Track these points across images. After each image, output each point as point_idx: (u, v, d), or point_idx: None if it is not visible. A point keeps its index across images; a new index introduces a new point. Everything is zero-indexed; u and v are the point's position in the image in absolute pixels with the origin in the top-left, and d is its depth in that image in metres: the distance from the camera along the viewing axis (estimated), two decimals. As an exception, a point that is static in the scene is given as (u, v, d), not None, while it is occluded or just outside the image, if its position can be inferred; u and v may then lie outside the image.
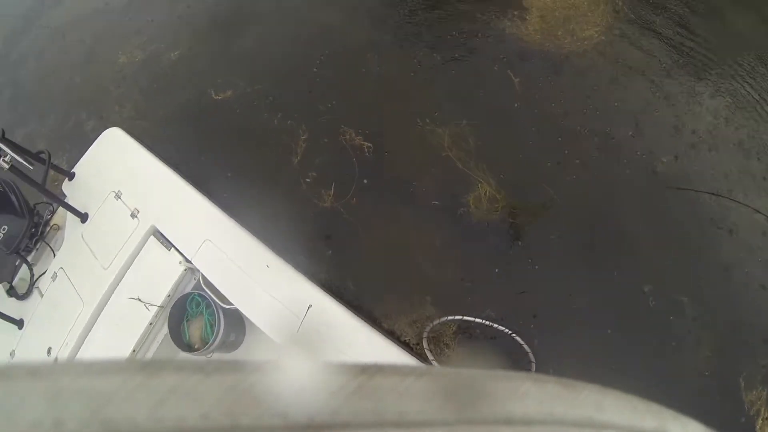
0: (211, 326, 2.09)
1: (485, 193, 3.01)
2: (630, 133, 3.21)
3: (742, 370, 2.79)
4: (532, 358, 2.20)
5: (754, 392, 2.76)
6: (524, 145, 3.24)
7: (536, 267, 2.85)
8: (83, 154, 2.58)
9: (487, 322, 2.44)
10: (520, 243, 2.93)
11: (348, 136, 3.37)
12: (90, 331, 2.21)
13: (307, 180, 3.29)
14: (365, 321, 1.70)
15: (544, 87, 3.39)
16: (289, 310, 1.77)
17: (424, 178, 3.19)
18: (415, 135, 3.29)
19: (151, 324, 2.10)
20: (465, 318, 2.48)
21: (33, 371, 0.24)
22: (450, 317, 2.46)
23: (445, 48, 3.60)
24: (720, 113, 3.25)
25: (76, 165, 2.56)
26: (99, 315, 2.21)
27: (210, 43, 4.14)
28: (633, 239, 2.95)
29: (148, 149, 2.37)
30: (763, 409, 2.76)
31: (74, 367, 0.25)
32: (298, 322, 1.73)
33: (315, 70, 3.73)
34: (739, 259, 2.93)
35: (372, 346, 1.64)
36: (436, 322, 2.40)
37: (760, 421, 2.74)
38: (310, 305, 1.74)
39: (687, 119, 3.23)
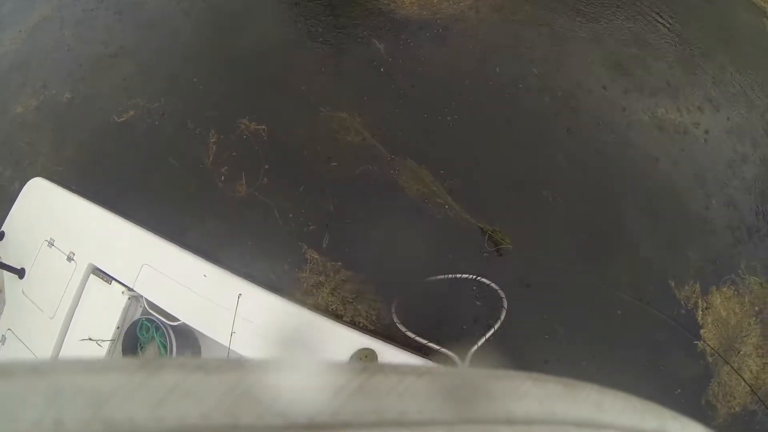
0: (165, 347, 2.13)
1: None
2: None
3: (667, 272, 3.01)
4: (502, 294, 2.20)
5: (686, 287, 2.99)
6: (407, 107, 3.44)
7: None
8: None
9: (450, 275, 2.48)
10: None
11: (244, 126, 3.53)
12: None
13: (222, 178, 3.41)
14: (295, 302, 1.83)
15: (417, 53, 3.60)
16: (227, 310, 1.86)
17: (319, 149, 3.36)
18: (312, 120, 3.46)
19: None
20: (429, 279, 2.50)
21: (34, 369, 0.24)
22: (415, 285, 2.52)
23: (328, 37, 3.79)
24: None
25: (4, 223, 2.55)
26: None
27: (98, 75, 4.23)
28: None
29: (72, 191, 2.40)
30: (700, 300, 2.99)
31: (75, 366, 0.25)
32: (229, 313, 1.82)
33: (199, 77, 3.88)
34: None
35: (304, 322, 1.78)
36: (402, 295, 2.40)
37: (700, 312, 2.96)
38: (240, 294, 1.84)
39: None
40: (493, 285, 2.27)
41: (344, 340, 1.76)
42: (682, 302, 2.96)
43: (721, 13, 3.91)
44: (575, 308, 2.91)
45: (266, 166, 3.37)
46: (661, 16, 3.72)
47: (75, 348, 2.16)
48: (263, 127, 3.51)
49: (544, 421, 0.31)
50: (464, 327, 2.82)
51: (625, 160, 3.26)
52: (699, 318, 2.95)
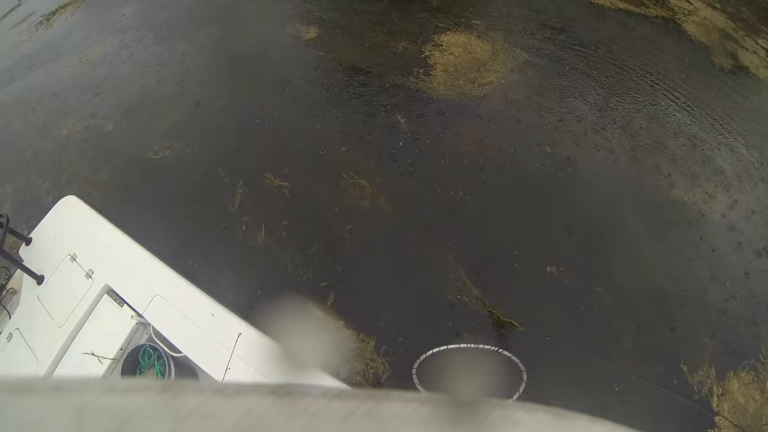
0: (163, 375, 2.16)
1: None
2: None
3: (680, 355, 2.91)
4: (522, 368, 2.27)
5: (700, 373, 2.88)
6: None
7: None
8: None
9: (472, 345, 2.50)
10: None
11: (268, 181, 3.68)
12: None
13: (243, 227, 3.53)
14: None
15: (439, 130, 3.69)
16: (228, 350, 1.90)
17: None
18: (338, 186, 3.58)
19: (104, 377, 2.16)
20: (450, 347, 2.51)
21: (56, 387, 0.25)
22: (437, 349, 2.50)
23: (361, 114, 3.92)
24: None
25: (33, 231, 2.66)
26: (54, 371, 2.24)
27: (138, 116, 4.48)
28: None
29: (101, 214, 2.50)
30: (715, 386, 2.85)
31: (98, 385, 0.26)
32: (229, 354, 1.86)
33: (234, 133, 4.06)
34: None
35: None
36: (423, 356, 2.43)
37: (715, 399, 2.83)
38: (240, 333, 1.89)
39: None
40: (514, 358, 2.32)
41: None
42: (695, 387, 2.84)
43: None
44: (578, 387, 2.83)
45: (285, 222, 3.47)
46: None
47: (76, 359, 2.22)
48: (286, 183, 3.65)
49: None
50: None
51: (632, 235, 3.20)
52: (714, 405, 2.81)
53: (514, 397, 2.01)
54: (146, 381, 0.26)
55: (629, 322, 2.99)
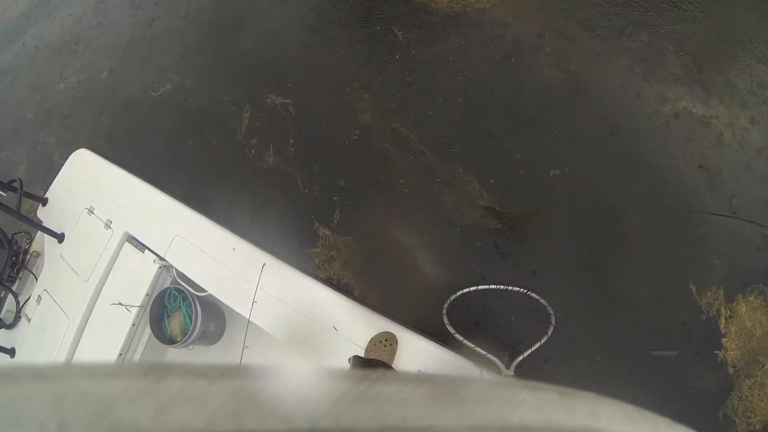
0: (190, 317, 2.22)
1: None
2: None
3: (687, 276, 2.91)
4: (551, 311, 2.21)
5: (709, 294, 2.88)
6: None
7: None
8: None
9: (501, 287, 2.47)
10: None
11: (270, 101, 3.71)
12: (78, 344, 2.31)
13: (252, 150, 3.59)
14: (318, 281, 1.88)
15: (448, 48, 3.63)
16: (252, 284, 1.92)
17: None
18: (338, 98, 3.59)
19: (134, 325, 2.21)
20: (479, 288, 2.51)
21: (38, 374, 0.24)
22: (464, 290, 2.44)
23: (362, 30, 3.87)
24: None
25: (48, 190, 2.70)
26: (85, 327, 2.31)
27: (133, 54, 4.50)
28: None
29: (113, 163, 2.52)
30: (723, 308, 2.86)
31: (79, 371, 0.25)
32: (254, 287, 1.89)
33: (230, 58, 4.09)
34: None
35: (329, 302, 1.83)
36: (452, 297, 2.37)
37: (723, 321, 2.84)
38: (264, 264, 1.90)
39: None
40: (542, 301, 2.28)
41: (366, 322, 1.79)
42: (704, 308, 2.85)
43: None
44: (582, 304, 2.87)
45: (292, 141, 3.52)
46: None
47: (105, 311, 2.28)
48: (289, 101, 3.67)
49: (539, 428, 0.31)
50: (501, 338, 2.82)
51: (646, 154, 3.18)
52: (722, 326, 2.83)
53: (542, 340, 2.04)
54: (128, 365, 0.26)
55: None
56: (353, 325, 1.80)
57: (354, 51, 3.77)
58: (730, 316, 2.85)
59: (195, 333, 2.15)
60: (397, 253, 3.07)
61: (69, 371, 0.25)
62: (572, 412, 0.33)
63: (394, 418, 0.28)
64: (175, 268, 2.16)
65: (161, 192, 2.29)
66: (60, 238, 2.50)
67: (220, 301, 2.08)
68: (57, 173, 2.71)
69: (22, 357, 2.51)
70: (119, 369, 0.26)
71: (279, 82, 3.78)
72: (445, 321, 2.20)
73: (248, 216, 3.30)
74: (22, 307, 2.61)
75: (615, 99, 3.30)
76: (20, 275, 2.69)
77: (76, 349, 2.32)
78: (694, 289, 2.89)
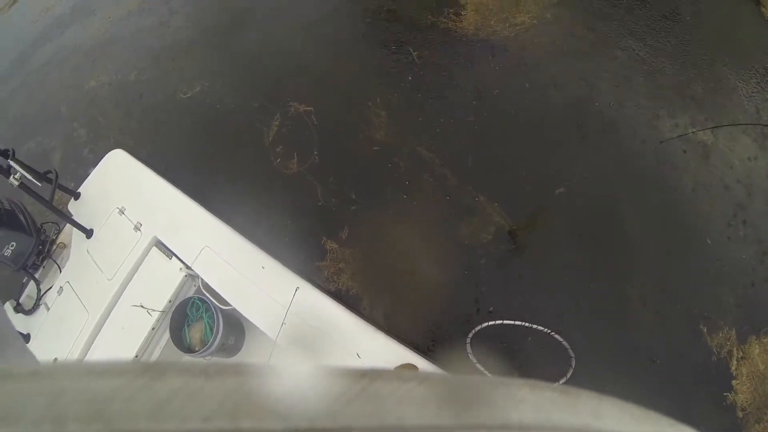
0: (211, 329, 2.23)
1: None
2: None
3: (699, 315, 2.89)
4: (572, 354, 2.25)
5: (720, 334, 2.85)
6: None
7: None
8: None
9: (526, 324, 2.50)
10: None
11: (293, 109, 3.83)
12: (95, 339, 2.34)
13: (278, 159, 3.67)
14: (350, 310, 1.88)
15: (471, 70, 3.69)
16: (280, 304, 1.92)
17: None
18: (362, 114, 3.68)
19: (153, 329, 2.24)
20: (505, 322, 2.53)
21: (34, 372, 0.24)
22: (492, 322, 2.51)
23: (390, 51, 3.94)
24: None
25: (82, 185, 2.73)
26: (104, 323, 2.34)
27: (164, 58, 4.61)
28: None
29: (148, 166, 2.54)
30: (734, 349, 2.81)
31: (76, 368, 0.25)
32: (284, 311, 1.88)
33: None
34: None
35: (352, 331, 1.83)
36: (478, 327, 2.43)
37: (734, 362, 2.79)
38: (297, 287, 1.90)
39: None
40: (564, 343, 2.31)
41: (390, 352, 1.80)
42: (714, 349, 2.81)
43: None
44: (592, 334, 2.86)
45: (315, 152, 3.61)
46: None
47: (126, 312, 2.30)
48: (311, 108, 3.78)
49: (540, 428, 0.31)
50: (519, 373, 2.82)
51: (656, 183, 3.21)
52: (733, 368, 2.78)
53: (561, 381, 2.03)
54: (125, 363, 0.26)
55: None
56: (377, 354, 1.81)
57: (375, 69, 3.86)
58: (742, 358, 2.81)
59: (215, 345, 2.17)
60: (408, 269, 3.12)
61: (65, 369, 0.25)
62: (573, 411, 0.33)
63: (393, 416, 0.28)
64: (201, 279, 2.17)
65: (194, 201, 2.31)
66: (89, 233, 2.52)
67: (242, 316, 2.10)
68: (86, 167, 2.73)
69: (37, 344, 2.53)
70: (115, 366, 0.26)
71: (300, 91, 3.88)
72: (468, 350, 2.19)
73: (267, 220, 3.36)
74: (43, 295, 2.64)
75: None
76: (44, 264, 2.72)
77: (92, 344, 2.35)
78: (705, 330, 2.86)
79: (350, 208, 3.37)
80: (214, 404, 0.25)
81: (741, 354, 2.82)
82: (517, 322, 2.48)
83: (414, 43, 3.86)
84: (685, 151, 3.27)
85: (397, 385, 0.29)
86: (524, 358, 2.80)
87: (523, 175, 3.29)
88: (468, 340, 2.21)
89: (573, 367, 2.13)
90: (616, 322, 2.90)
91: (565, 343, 2.24)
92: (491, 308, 2.92)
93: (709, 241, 3.09)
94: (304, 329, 1.85)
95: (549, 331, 2.36)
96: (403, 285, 3.10)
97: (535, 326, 2.41)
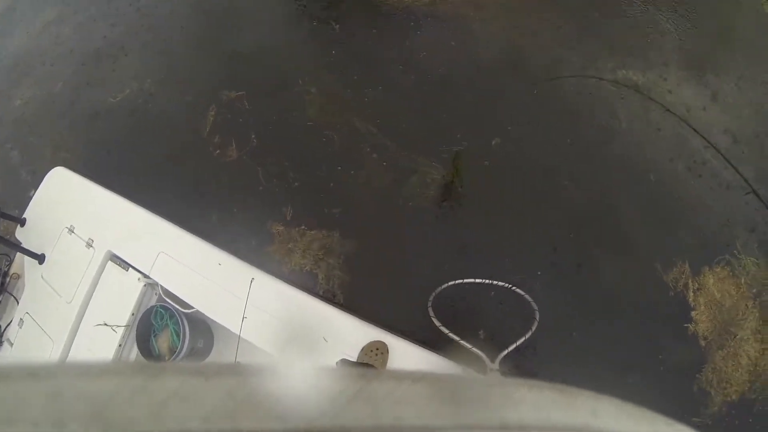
0: (178, 335, 2.22)
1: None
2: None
3: (653, 256, 2.97)
4: (535, 306, 2.21)
5: (675, 269, 2.95)
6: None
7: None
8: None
9: (487, 281, 2.45)
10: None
11: (225, 97, 3.79)
12: None
13: (217, 150, 3.65)
14: (306, 293, 1.91)
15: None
16: (240, 298, 1.92)
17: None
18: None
19: (120, 345, 2.20)
20: (465, 281, 2.44)
21: (33, 372, 0.24)
22: (451, 282, 2.40)
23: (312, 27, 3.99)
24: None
25: (26, 210, 2.64)
26: (70, 349, 2.28)
27: (89, 65, 4.45)
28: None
29: (91, 180, 2.48)
30: (690, 281, 2.91)
31: (75, 369, 0.25)
32: (243, 302, 1.89)
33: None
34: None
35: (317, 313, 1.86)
36: (438, 289, 2.36)
37: (691, 294, 2.89)
38: (252, 278, 1.91)
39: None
40: (526, 296, 2.29)
41: (356, 332, 1.82)
42: (671, 284, 2.91)
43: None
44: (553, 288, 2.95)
45: (253, 136, 3.61)
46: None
47: (90, 332, 2.25)
48: (243, 93, 3.76)
49: (538, 427, 0.32)
50: (485, 331, 2.87)
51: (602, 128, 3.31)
52: (690, 299, 2.89)
53: (527, 335, 2.04)
54: (123, 364, 0.29)
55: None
56: (344, 335, 1.82)
57: (300, 47, 3.86)
58: (698, 289, 2.91)
59: (183, 350, 2.16)
60: (358, 238, 3.17)
61: (64, 370, 0.25)
62: (572, 411, 0.33)
63: (391, 417, 0.28)
64: (161, 286, 2.15)
65: (142, 208, 2.27)
66: (40, 259, 2.45)
67: (208, 317, 2.09)
68: (25, 189, 2.65)
69: None
70: (114, 367, 0.26)
71: (231, 78, 3.85)
72: (431, 313, 2.20)
73: (215, 211, 3.38)
74: (4, 331, 2.57)
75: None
76: (0, 299, 2.65)
77: None
78: (659, 267, 2.96)
79: (292, 186, 3.38)
80: (213, 405, 0.25)
81: (696, 285, 2.92)
82: (477, 280, 2.47)
83: (333, 16, 3.88)
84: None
85: (395, 385, 0.29)
86: (488, 316, 2.88)
87: (458, 132, 3.36)
88: (429, 303, 2.23)
89: (537, 319, 2.18)
90: (572, 271, 3.01)
91: (527, 296, 2.28)
92: (446, 267, 2.99)
93: (652, 178, 3.21)
94: (278, 330, 1.86)
95: (509, 285, 2.40)
96: (356, 255, 3.13)
97: (495, 282, 2.43)
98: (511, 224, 3.11)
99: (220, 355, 2.42)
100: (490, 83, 3.50)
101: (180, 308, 2.15)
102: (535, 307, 2.24)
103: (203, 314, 2.08)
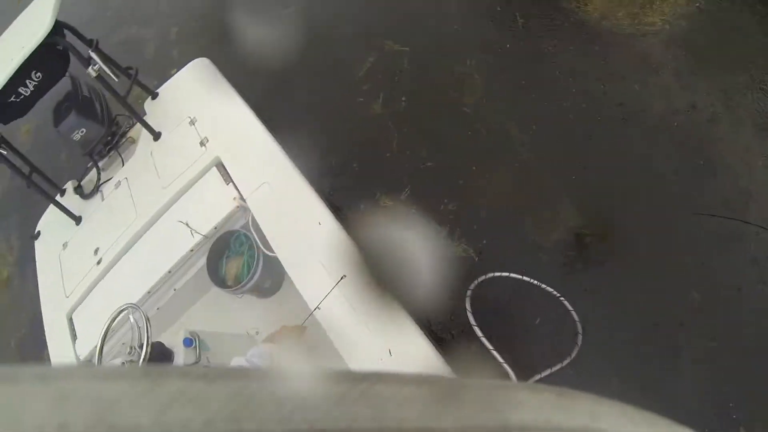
0: (249, 268, 2.11)
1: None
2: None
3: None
4: (580, 329, 2.08)
5: None
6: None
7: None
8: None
9: (535, 282, 2.31)
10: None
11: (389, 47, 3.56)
12: (136, 242, 2.31)
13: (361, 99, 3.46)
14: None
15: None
16: (327, 273, 1.73)
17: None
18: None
19: (191, 251, 2.16)
20: (512, 275, 2.32)
21: (38, 375, 0.24)
22: (495, 274, 2.29)
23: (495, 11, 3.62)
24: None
25: (162, 87, 2.66)
26: (148, 229, 2.30)
27: None
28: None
29: (231, 84, 2.41)
30: None
31: (79, 372, 0.25)
32: (330, 283, 1.69)
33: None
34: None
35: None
36: (480, 278, 2.24)
37: None
38: (344, 276, 1.67)
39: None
40: (574, 313, 2.14)
41: (417, 349, 1.58)
42: None
43: None
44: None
45: (403, 98, 3.36)
46: None
47: (171, 225, 2.23)
48: (407, 49, 3.52)
49: (539, 429, 0.31)
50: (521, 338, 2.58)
51: None
52: None
53: (564, 362, 1.96)
54: (127, 367, 0.29)
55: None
56: (407, 351, 1.61)
57: (476, 25, 3.53)
58: None
59: (249, 285, 2.05)
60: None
61: (69, 372, 0.25)
62: (572, 413, 0.33)
63: (394, 419, 0.28)
64: (253, 215, 2.02)
65: (266, 131, 2.14)
66: (156, 136, 2.46)
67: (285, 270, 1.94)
68: (170, 66, 2.64)
69: (85, 229, 2.57)
70: (119, 371, 0.26)
71: (399, 32, 3.61)
72: (467, 305, 2.06)
73: (335, 157, 3.20)
74: (102, 184, 2.64)
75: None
76: (110, 154, 2.71)
77: (132, 246, 2.32)
78: None
79: (421, 165, 3.12)
80: (216, 407, 0.25)
81: None
82: (525, 278, 2.29)
83: (523, 9, 3.48)
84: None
85: (398, 387, 0.29)
86: (526, 324, 2.53)
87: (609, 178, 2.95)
88: (468, 293, 2.09)
89: (579, 345, 2.02)
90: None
91: (574, 313, 2.11)
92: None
93: None
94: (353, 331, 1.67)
95: (559, 295, 2.18)
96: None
97: (543, 286, 2.23)
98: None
99: (284, 300, 2.30)
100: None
101: (262, 247, 2.01)
102: (579, 331, 2.08)
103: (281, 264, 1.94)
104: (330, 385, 0.28)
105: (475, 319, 1.96)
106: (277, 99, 3.49)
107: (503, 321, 2.54)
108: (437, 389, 0.30)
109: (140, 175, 2.45)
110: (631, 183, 2.88)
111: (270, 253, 1.97)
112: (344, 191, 3.09)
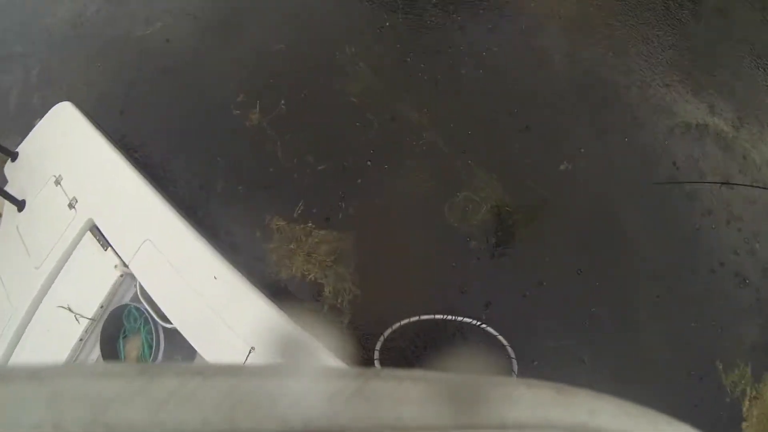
0: (150, 347, 1.70)
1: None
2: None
3: (716, 353, 2.52)
4: (512, 353, 1.97)
5: (736, 372, 2.49)
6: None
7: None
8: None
9: (450, 317, 2.18)
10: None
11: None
12: (20, 339, 1.88)
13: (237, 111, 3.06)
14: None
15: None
16: (236, 335, 1.40)
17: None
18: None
19: (81, 340, 1.75)
20: (423, 318, 2.19)
21: (33, 374, 0.24)
22: (405, 321, 2.15)
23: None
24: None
25: (21, 144, 2.22)
26: (29, 323, 1.88)
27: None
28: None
29: (96, 127, 2.02)
30: (748, 388, 2.47)
31: (74, 371, 0.25)
32: (245, 345, 1.39)
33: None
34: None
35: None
36: (389, 330, 2.12)
37: (747, 402, 2.45)
38: (252, 348, 1.35)
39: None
40: (500, 337, 2.06)
41: None
42: (728, 388, 2.45)
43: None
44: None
45: (282, 102, 3.02)
46: None
47: (51, 313, 1.82)
48: (282, 46, 3.19)
49: (537, 426, 0.31)
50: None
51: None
52: (744, 409, 2.43)
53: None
54: (123, 365, 0.25)
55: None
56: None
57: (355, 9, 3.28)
58: (755, 397, 2.49)
59: (155, 366, 1.61)
60: (386, 255, 2.60)
61: (64, 372, 0.25)
62: (570, 410, 0.33)
63: (390, 416, 0.28)
64: (139, 283, 1.62)
65: (143, 180, 1.78)
66: (20, 205, 2.05)
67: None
68: (34, 116, 2.22)
69: None
70: (115, 369, 0.25)
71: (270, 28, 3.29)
72: (376, 356, 2.03)
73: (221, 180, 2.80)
74: None
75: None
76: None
77: (16, 344, 1.89)
78: (721, 366, 2.49)
79: (310, 171, 2.79)
80: (212, 406, 0.25)
81: (755, 393, 2.48)
82: (437, 316, 2.19)
83: None
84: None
85: (394, 384, 0.29)
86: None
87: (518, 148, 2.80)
88: (378, 346, 2.02)
89: (516, 371, 1.94)
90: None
91: (500, 337, 2.02)
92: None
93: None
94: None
95: (479, 323, 2.11)
96: (373, 267, 2.56)
97: (461, 319, 2.15)
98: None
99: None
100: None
101: (157, 318, 1.62)
102: (512, 355, 2.01)
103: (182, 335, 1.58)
104: (326, 382, 0.27)
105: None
106: (149, 131, 3.06)
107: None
108: (434, 386, 0.29)
109: (9, 258, 2.02)
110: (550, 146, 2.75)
111: (167, 325, 1.58)
112: (234, 222, 2.71)
